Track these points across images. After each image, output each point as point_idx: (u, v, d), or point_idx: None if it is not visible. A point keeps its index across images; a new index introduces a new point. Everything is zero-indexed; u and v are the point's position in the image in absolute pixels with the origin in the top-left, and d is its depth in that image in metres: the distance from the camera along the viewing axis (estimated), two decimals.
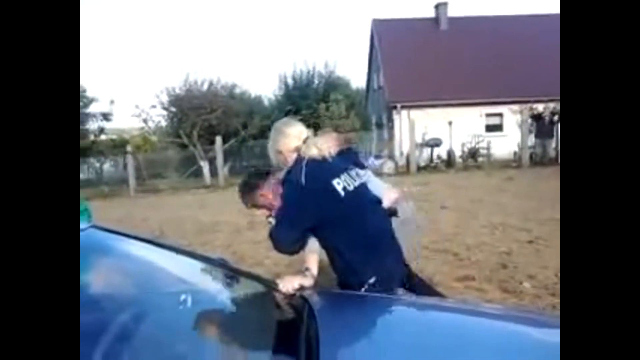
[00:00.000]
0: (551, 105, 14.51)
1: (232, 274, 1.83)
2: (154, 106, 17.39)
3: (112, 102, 19.73)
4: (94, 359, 1.06)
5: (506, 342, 1.28)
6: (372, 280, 1.83)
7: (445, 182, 12.02)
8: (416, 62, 20.20)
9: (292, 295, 1.61)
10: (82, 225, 1.60)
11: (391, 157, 16.76)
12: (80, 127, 19.51)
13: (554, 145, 14.89)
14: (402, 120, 18.81)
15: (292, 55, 56.86)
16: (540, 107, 15.02)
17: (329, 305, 1.67)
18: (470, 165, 15.71)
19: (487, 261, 4.67)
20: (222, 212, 9.42)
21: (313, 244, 1.95)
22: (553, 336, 1.17)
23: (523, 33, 20.44)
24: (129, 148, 16.14)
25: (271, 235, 1.91)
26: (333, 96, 17.60)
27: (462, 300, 3.03)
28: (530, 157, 14.91)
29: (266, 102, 24.34)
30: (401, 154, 17.82)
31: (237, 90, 21.15)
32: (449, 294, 3.92)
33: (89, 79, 33.62)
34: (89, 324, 1.19)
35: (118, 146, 18.17)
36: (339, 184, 1.89)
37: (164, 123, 18.16)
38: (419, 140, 16.28)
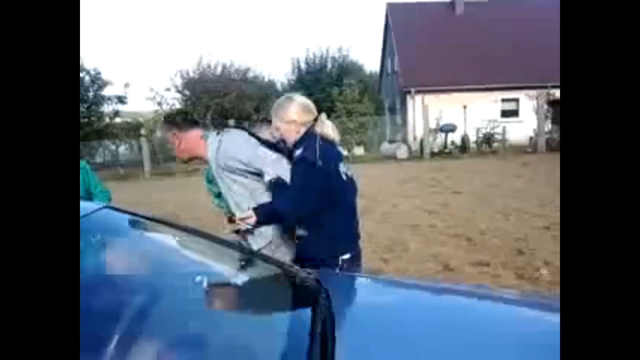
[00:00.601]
0: None
1: (246, 256, 1.82)
2: (168, 89, 17.46)
3: (126, 84, 19.87)
4: (109, 340, 1.06)
5: (524, 329, 1.25)
6: (347, 257, 2.02)
7: (459, 168, 11.90)
8: (431, 47, 19.87)
9: (305, 277, 1.60)
10: (96, 206, 1.60)
11: (405, 142, 16.62)
12: (95, 109, 19.64)
13: None
14: (415, 105, 18.60)
15: (306, 39, 56.24)
16: (557, 93, 14.70)
17: (343, 287, 1.67)
18: (485, 151, 15.51)
19: (503, 247, 4.63)
20: None
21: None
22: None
23: (540, 18, 19.92)
24: (143, 131, 16.23)
25: (277, 209, 2.02)
26: (346, 80, 17.41)
27: (475, 285, 3.00)
28: (547, 143, 14.66)
29: (279, 86, 24.23)
30: (415, 139, 17.66)
31: (251, 74, 21.06)
32: (464, 279, 3.91)
33: (103, 62, 33.69)
34: (101, 304, 1.19)
35: (133, 129, 18.29)
36: (341, 168, 2.04)
37: (178, 106, 18.20)
38: (432, 125, 16.09)
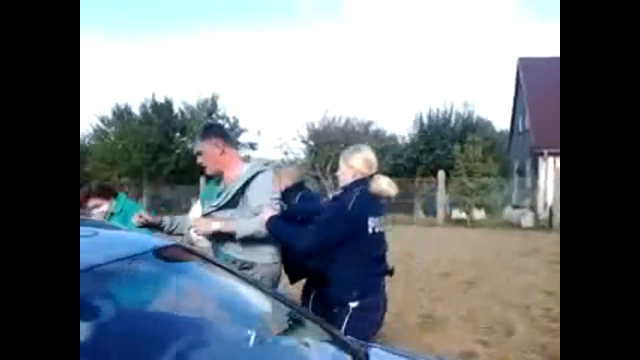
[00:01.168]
0: None
1: (297, 316, 1.80)
2: (294, 139, 18.71)
3: (259, 132, 21.72)
4: None
5: None
6: (355, 304, 2.11)
7: None
8: None
9: (357, 349, 1.54)
10: (168, 243, 1.75)
11: (532, 208, 15.25)
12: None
13: None
14: (548, 168, 17.09)
15: (429, 93, 56.15)
16: None
17: None
18: None
19: None
20: None
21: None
22: None
23: None
24: None
25: (293, 232, 2.17)
26: (470, 137, 16.80)
27: None
28: None
29: (400, 141, 24.34)
30: (545, 206, 16.10)
31: (373, 127, 21.60)
32: None
33: (241, 111, 37.53)
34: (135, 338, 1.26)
35: None
36: (372, 221, 2.19)
37: (302, 155, 19.38)
38: None
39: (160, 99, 21.26)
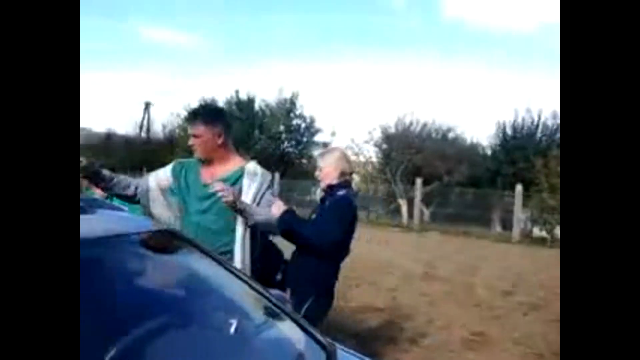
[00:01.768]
0: None
1: (277, 312, 1.68)
2: (367, 141, 18.68)
3: (333, 133, 21.97)
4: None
5: None
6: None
7: None
8: None
9: (331, 349, 1.53)
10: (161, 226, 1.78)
11: None
12: (306, 153, 22.36)
13: None
14: None
15: (516, 102, 53.10)
16: None
17: None
18: None
19: None
20: (403, 254, 9.42)
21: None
22: None
23: None
24: None
25: (313, 236, 2.21)
26: (555, 152, 15.68)
27: None
28: None
29: (480, 150, 23.31)
30: None
31: (451, 135, 20.91)
32: None
33: (319, 112, 38.00)
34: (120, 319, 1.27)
35: None
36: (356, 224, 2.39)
37: (374, 159, 19.28)
38: None
39: (244, 96, 22.30)
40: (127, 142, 28.67)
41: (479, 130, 50.67)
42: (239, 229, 2.18)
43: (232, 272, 1.61)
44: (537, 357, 4.11)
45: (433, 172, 17.54)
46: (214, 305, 1.56)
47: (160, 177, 2.35)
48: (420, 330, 4.58)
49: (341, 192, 2.31)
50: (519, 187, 14.18)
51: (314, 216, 2.39)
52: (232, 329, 1.36)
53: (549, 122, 21.03)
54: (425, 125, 19.53)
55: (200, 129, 2.23)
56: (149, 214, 2.31)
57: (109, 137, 28.87)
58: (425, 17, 47.38)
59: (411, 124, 19.49)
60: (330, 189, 2.35)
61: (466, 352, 4.11)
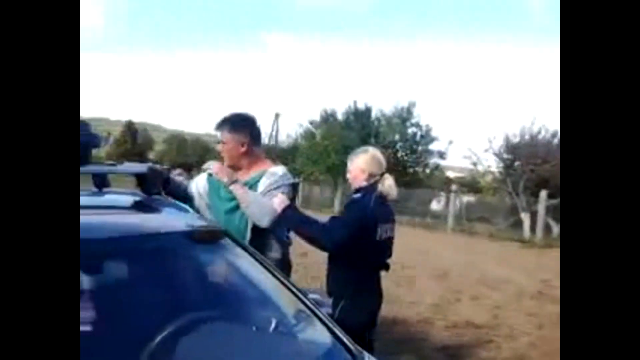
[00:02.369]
0: None
1: (308, 314, 1.66)
2: (486, 150, 17.68)
3: (450, 142, 21.33)
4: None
5: None
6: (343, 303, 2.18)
7: None
8: None
9: (359, 355, 1.52)
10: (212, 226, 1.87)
11: None
12: (422, 161, 22.04)
13: None
14: None
15: None
16: None
17: None
18: None
19: None
20: (518, 270, 8.82)
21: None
22: None
23: None
24: (454, 187, 17.08)
25: (317, 235, 2.19)
26: None
27: None
28: None
29: None
30: None
31: None
32: None
33: (435, 119, 36.65)
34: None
35: (447, 183, 19.49)
36: (381, 227, 2.26)
37: (493, 169, 18.16)
38: None
39: (361, 106, 22.80)
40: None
41: None
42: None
43: (271, 272, 1.68)
44: None
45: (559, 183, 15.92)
46: (247, 302, 1.67)
47: (199, 183, 2.48)
48: (519, 353, 4.33)
49: (357, 195, 2.29)
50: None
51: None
52: (255, 327, 1.45)
53: None
54: (555, 134, 17.84)
55: (226, 136, 2.31)
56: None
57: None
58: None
59: (539, 131, 17.98)
60: (358, 192, 2.31)
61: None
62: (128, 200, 1.77)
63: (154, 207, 1.70)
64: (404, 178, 20.01)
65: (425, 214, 18.31)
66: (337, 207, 19.59)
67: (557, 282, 7.73)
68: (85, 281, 1.47)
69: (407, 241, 11.87)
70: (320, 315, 1.59)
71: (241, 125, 2.32)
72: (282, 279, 1.69)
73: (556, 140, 17.65)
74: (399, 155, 21.96)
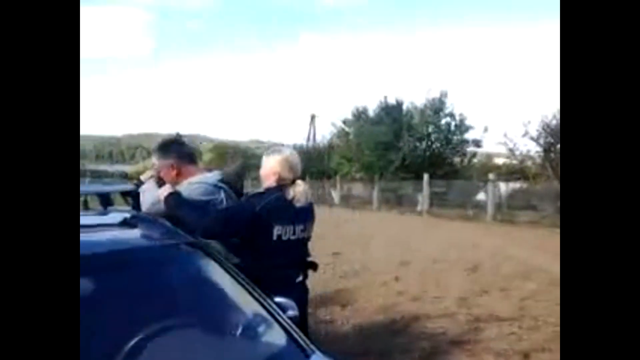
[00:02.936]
0: None
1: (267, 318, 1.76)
2: (524, 135, 17.07)
3: (485, 129, 20.75)
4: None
5: None
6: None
7: None
8: None
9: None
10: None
11: None
12: (459, 150, 21.57)
13: None
14: None
15: None
16: None
17: None
18: None
19: None
20: (553, 258, 8.50)
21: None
22: None
23: None
24: (491, 176, 16.58)
25: (189, 210, 2.24)
26: None
27: None
28: None
29: None
30: None
31: None
32: None
33: (469, 108, 35.44)
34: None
35: (485, 172, 18.92)
36: (278, 229, 2.22)
37: (532, 154, 17.49)
38: None
39: (392, 101, 22.62)
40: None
41: None
42: None
43: (236, 279, 1.84)
44: None
45: None
46: (212, 309, 1.81)
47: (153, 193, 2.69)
48: (538, 345, 4.25)
49: (256, 192, 2.32)
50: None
51: None
52: (217, 331, 1.59)
53: None
54: None
55: (158, 163, 2.56)
56: None
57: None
58: None
59: None
60: (264, 192, 2.32)
61: None
62: (115, 217, 1.97)
63: (132, 223, 1.88)
64: (440, 170, 19.69)
65: (467, 206, 17.87)
66: (375, 204, 19.57)
67: None
68: None
69: (441, 234, 11.74)
70: (279, 318, 1.73)
71: (166, 150, 2.57)
72: (247, 285, 1.85)
73: None
74: (434, 147, 21.59)
